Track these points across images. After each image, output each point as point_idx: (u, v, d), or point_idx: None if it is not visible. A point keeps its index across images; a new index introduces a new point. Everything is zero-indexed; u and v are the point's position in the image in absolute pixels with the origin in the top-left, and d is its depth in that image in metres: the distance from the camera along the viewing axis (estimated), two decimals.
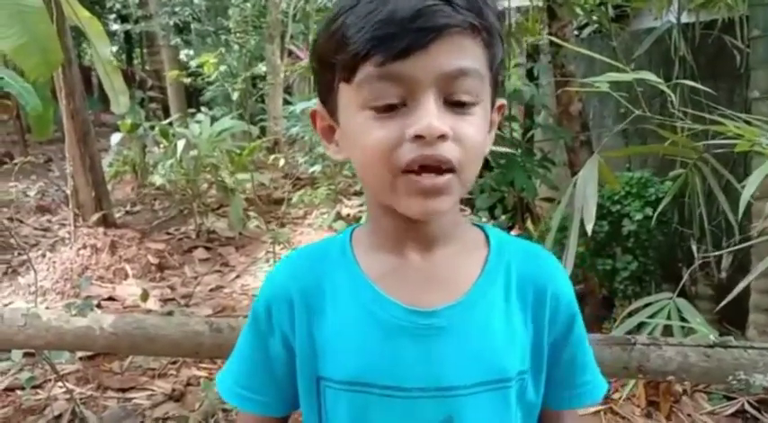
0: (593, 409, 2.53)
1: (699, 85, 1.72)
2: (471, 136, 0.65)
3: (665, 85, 1.46)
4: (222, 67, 7.14)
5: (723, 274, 2.76)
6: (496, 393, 0.72)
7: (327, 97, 0.71)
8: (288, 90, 8.54)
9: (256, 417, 0.82)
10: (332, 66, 0.66)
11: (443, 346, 0.71)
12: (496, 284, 0.74)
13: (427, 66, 0.62)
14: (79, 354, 2.98)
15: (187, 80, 7.67)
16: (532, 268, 0.76)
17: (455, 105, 0.64)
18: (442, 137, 0.62)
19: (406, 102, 0.63)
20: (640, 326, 2.10)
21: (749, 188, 1.27)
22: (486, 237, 0.78)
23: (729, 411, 2.54)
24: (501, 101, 0.74)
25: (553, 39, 2.38)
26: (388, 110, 0.63)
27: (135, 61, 14.40)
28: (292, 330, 0.75)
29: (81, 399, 2.63)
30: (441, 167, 0.63)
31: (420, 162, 0.63)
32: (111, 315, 1.55)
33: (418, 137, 0.62)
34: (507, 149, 2.47)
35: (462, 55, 0.63)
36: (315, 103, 0.77)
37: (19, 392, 2.70)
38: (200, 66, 7.23)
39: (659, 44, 3.04)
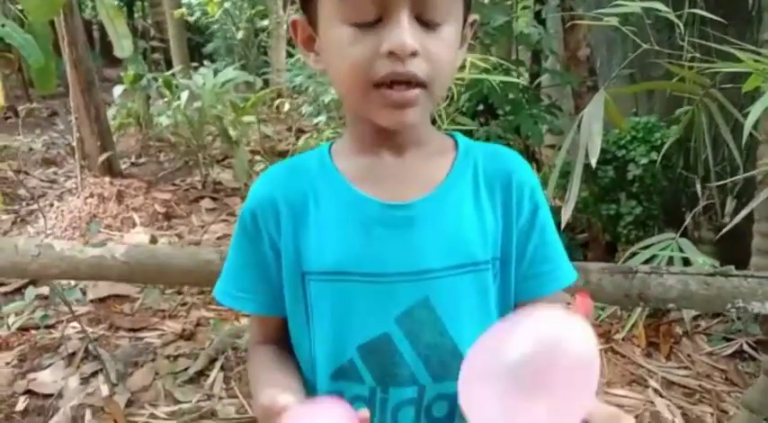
0: None
1: (708, 14, 1.71)
2: (441, 53, 0.70)
3: (674, 14, 1.45)
4: (227, 4, 7.04)
5: (726, 219, 2.77)
6: (471, 276, 0.78)
7: (307, 6, 0.75)
8: (291, 42, 8.42)
9: (259, 318, 0.88)
10: None
11: (418, 234, 0.77)
12: (465, 180, 0.80)
13: None
14: (90, 295, 3.05)
15: (192, 18, 7.56)
16: (497, 164, 0.83)
17: (427, 23, 0.68)
18: (413, 54, 0.67)
19: (381, 17, 0.67)
20: (644, 264, 2.12)
21: (754, 114, 1.28)
22: (456, 142, 0.84)
23: (728, 352, 2.60)
24: (474, 16, 0.78)
25: None
26: (365, 26, 0.67)
27: (136, 15, 14.15)
28: (278, 233, 0.80)
29: (94, 338, 2.70)
30: (411, 82, 0.68)
31: (392, 78, 0.68)
32: (123, 245, 1.58)
33: (391, 53, 0.66)
34: (515, 80, 2.45)
35: None
36: None
37: (33, 331, 2.78)
38: (205, 5, 7.13)
39: None
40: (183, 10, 7.74)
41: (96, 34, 13.32)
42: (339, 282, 0.77)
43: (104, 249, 1.55)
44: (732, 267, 1.50)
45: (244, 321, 2.77)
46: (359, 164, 0.80)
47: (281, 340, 0.87)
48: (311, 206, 0.79)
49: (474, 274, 0.78)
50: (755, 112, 1.30)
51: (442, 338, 0.78)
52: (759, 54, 1.43)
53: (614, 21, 1.71)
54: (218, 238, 4.10)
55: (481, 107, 3.31)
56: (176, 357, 2.58)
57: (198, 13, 7.69)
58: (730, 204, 2.79)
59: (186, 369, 2.48)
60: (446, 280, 0.77)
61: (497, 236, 0.80)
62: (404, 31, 0.66)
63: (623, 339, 2.65)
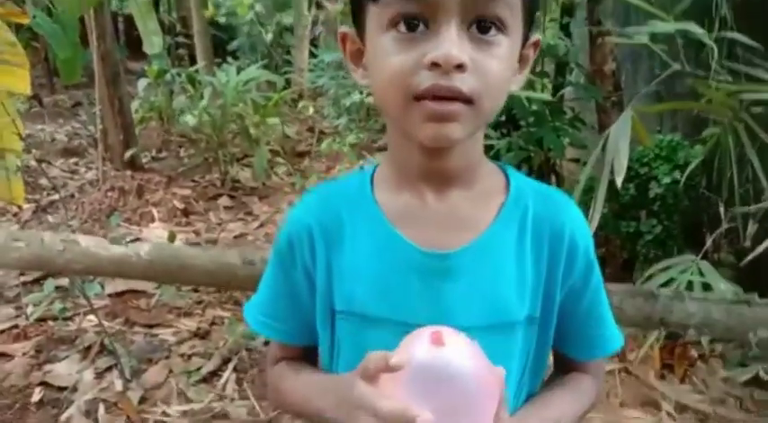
0: (607, 368, 2.57)
1: (742, 38, 1.69)
2: (492, 69, 0.63)
3: (707, 34, 1.44)
4: (257, 7, 7.08)
5: (748, 242, 2.74)
6: (500, 337, 0.73)
7: (357, 19, 0.71)
8: (314, 42, 8.47)
9: (282, 344, 0.86)
10: None
11: (453, 289, 0.72)
12: (511, 227, 0.74)
13: None
14: (108, 290, 3.08)
15: (222, 19, 7.63)
16: (551, 210, 0.76)
17: (480, 33, 0.63)
18: (460, 67, 0.61)
19: (428, 24, 0.62)
20: (662, 286, 2.10)
21: None
22: (507, 180, 0.77)
23: (744, 378, 2.55)
24: (536, 36, 0.73)
25: None
26: (410, 29, 0.62)
27: (161, 9, 14.29)
28: (313, 262, 0.77)
29: (109, 332, 2.72)
30: (455, 98, 0.62)
31: (433, 92, 0.62)
32: (147, 243, 1.59)
33: (434, 64, 0.61)
34: (542, 96, 2.44)
35: None
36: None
37: (51, 323, 2.80)
38: (235, 6, 7.19)
39: (699, 4, 2.96)
40: (213, 9, 7.80)
41: (122, 26, 13.47)
42: (366, 325, 0.74)
43: (129, 247, 1.57)
44: (755, 296, 1.48)
45: None
46: (400, 201, 0.75)
47: (302, 359, 0.86)
48: (347, 236, 0.76)
49: (505, 335, 0.74)
50: None
51: None
52: None
53: (644, 38, 1.70)
54: (235, 237, 4.13)
55: (503, 118, 3.30)
56: (190, 356, 2.60)
57: (224, 12, 7.75)
58: (752, 227, 2.76)
59: (199, 368, 2.49)
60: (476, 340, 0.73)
61: (537, 292, 0.75)
62: (450, 42, 0.60)
63: (638, 360, 2.62)
